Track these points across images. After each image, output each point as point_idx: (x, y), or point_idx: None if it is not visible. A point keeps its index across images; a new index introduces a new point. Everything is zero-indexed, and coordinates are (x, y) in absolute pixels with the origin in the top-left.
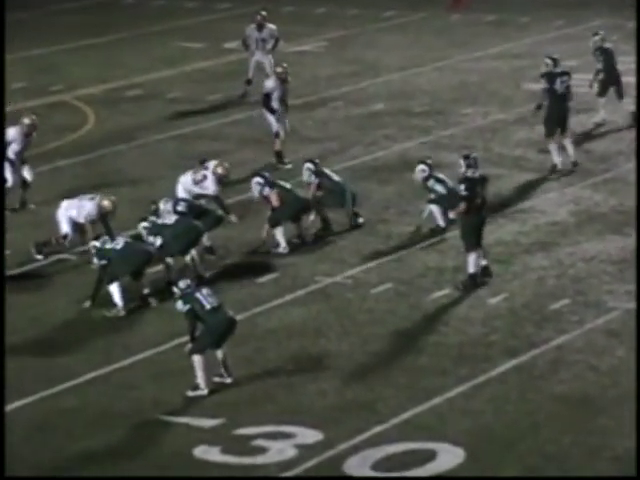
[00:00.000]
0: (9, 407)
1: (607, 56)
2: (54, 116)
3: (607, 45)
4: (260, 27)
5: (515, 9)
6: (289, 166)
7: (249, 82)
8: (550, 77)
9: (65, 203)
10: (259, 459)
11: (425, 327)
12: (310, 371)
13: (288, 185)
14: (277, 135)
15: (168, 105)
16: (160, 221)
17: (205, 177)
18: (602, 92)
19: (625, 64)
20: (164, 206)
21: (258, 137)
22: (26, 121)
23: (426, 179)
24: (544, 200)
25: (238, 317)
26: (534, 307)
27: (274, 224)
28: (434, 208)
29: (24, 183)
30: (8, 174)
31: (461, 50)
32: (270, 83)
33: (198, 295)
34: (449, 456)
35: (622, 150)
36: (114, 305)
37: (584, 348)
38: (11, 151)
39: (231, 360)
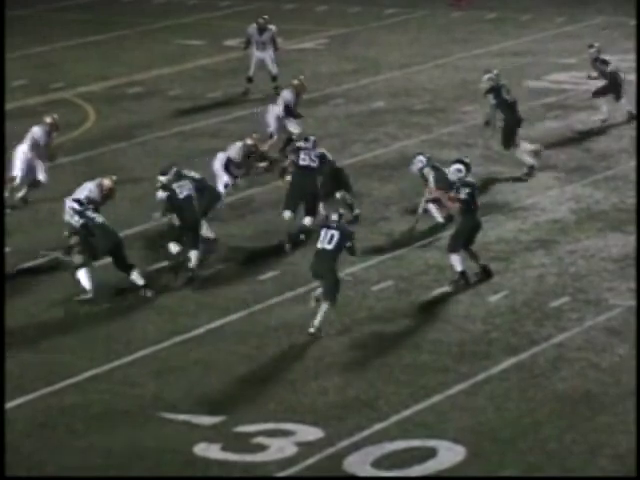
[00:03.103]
0: (10, 404)
1: (606, 66)
2: (55, 113)
3: (604, 56)
4: (262, 30)
5: (516, 7)
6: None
7: (250, 80)
8: (496, 91)
9: (69, 199)
10: (259, 456)
11: (426, 324)
12: (311, 369)
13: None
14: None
15: (169, 102)
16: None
17: None
18: (601, 94)
19: (627, 62)
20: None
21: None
22: (48, 120)
23: (421, 169)
24: (545, 198)
25: (239, 314)
26: (535, 305)
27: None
28: (431, 206)
29: (36, 182)
30: (35, 172)
31: (462, 48)
32: (287, 95)
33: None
34: (450, 454)
35: (623, 148)
36: (84, 291)
37: (585, 346)
38: (35, 149)
39: (232, 357)
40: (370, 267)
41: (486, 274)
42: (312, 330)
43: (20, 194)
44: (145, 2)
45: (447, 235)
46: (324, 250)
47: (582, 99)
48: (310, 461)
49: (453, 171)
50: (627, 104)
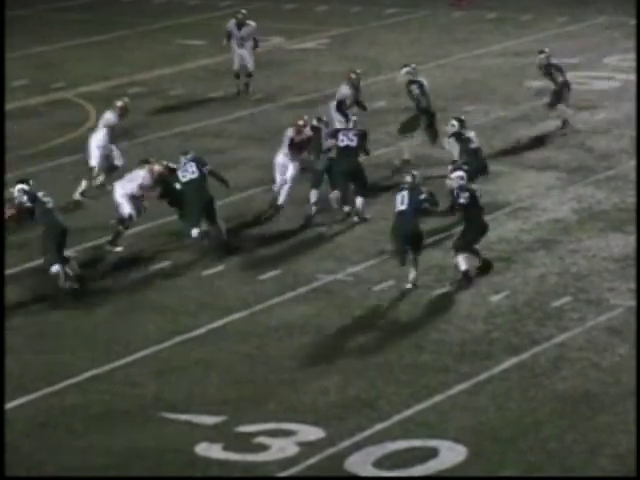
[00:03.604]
0: (11, 404)
1: (559, 73)
2: (56, 113)
3: (554, 61)
4: (240, 26)
5: (517, 6)
6: None
7: (237, 76)
8: (417, 82)
9: (117, 185)
10: (261, 456)
11: (427, 324)
12: (312, 368)
13: None
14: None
15: (170, 102)
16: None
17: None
18: (554, 103)
19: (627, 61)
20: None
21: (260, 134)
22: (119, 104)
23: (450, 135)
24: (546, 198)
25: (240, 314)
26: (536, 304)
27: None
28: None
29: (113, 167)
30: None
31: (463, 48)
32: (344, 90)
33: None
34: (451, 453)
35: (624, 148)
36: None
37: (586, 345)
38: (109, 135)
39: (233, 357)
40: (371, 267)
41: (485, 267)
42: (409, 285)
43: (98, 181)
44: (146, 2)
45: (448, 236)
46: (400, 212)
47: (583, 99)
48: (311, 461)
49: (455, 178)
50: (565, 112)
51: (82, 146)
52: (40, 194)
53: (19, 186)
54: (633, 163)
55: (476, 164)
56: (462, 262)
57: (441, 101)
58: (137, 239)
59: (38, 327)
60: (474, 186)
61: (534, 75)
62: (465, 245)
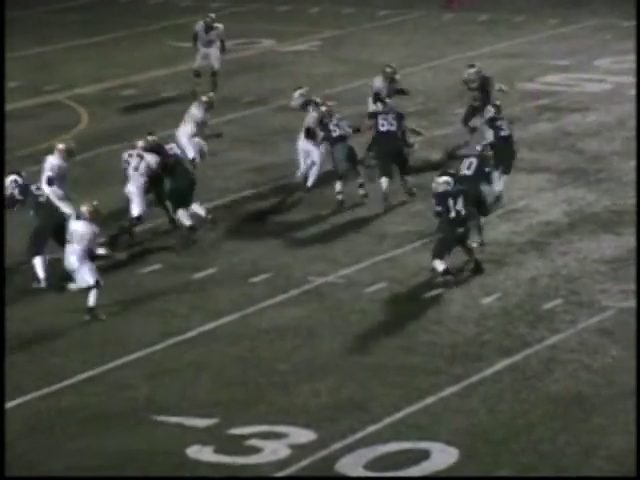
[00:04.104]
0: (6, 406)
1: (486, 84)
2: (49, 115)
3: (487, 74)
4: (208, 28)
5: (509, 8)
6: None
7: (197, 75)
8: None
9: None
10: (252, 459)
11: (418, 327)
12: (303, 371)
13: None
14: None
15: (163, 104)
16: None
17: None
18: (468, 118)
19: (619, 63)
20: None
21: (252, 137)
22: (204, 98)
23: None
24: (537, 200)
25: (231, 317)
26: (527, 307)
27: None
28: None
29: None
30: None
31: (455, 49)
32: (378, 82)
33: None
34: (443, 456)
35: (615, 150)
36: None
37: (577, 347)
38: (197, 128)
39: (224, 360)
40: (363, 269)
41: (477, 269)
42: (475, 244)
43: None
44: (139, 4)
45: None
46: (465, 176)
47: (575, 101)
48: (303, 463)
49: (442, 183)
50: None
51: (79, 147)
52: (33, 187)
53: (11, 177)
54: (624, 165)
55: (505, 151)
56: (438, 266)
57: (433, 102)
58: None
59: (32, 328)
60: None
61: (527, 77)
62: (442, 253)
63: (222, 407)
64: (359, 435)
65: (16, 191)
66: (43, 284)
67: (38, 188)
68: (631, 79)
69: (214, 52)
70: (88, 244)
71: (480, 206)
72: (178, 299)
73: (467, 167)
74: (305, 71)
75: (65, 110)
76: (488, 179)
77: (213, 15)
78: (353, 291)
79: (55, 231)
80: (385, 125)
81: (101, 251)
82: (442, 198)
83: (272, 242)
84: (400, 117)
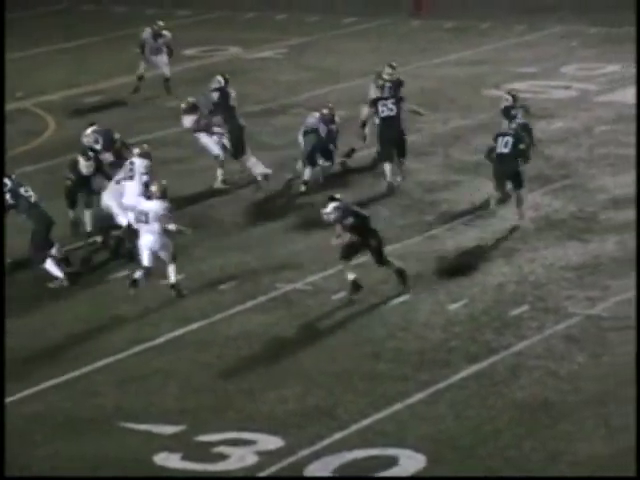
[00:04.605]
0: (4, 406)
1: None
2: (20, 121)
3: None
4: (156, 36)
5: (476, 15)
6: None
7: (140, 78)
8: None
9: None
10: (220, 466)
11: (385, 333)
12: (271, 378)
13: None
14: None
15: (129, 112)
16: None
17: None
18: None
19: (585, 70)
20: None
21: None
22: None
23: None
24: (504, 207)
25: (199, 324)
26: (494, 313)
27: None
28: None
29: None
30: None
31: (421, 56)
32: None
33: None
34: (410, 462)
35: (581, 156)
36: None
37: (544, 354)
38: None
39: (192, 367)
40: (330, 276)
41: (402, 278)
42: (519, 217)
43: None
44: (106, 11)
45: (407, 244)
46: (502, 154)
47: (541, 108)
48: (271, 470)
49: (331, 211)
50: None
51: (42, 156)
52: (22, 189)
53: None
54: (590, 172)
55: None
56: (349, 274)
57: None
58: (96, 249)
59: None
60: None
61: (494, 84)
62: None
63: (190, 414)
64: (326, 442)
65: (7, 195)
66: (65, 282)
67: (27, 190)
68: (595, 86)
69: (162, 59)
70: (165, 220)
71: (516, 181)
72: (146, 306)
73: (504, 145)
74: (271, 78)
75: (32, 117)
76: (525, 155)
77: (161, 23)
78: (320, 298)
79: (48, 231)
80: (385, 111)
81: (173, 227)
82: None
83: (240, 249)
84: (400, 101)
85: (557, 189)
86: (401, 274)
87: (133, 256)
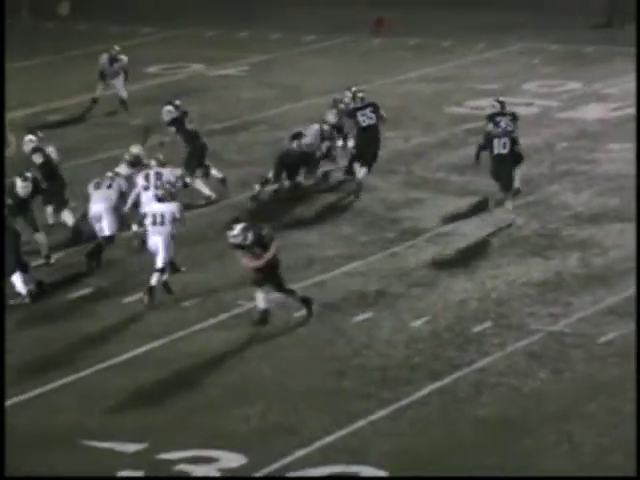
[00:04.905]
0: (5, 407)
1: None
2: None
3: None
4: (112, 61)
5: (437, 33)
6: None
7: (95, 100)
8: (178, 121)
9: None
10: None
11: (348, 350)
12: (233, 395)
13: None
14: None
15: (90, 129)
16: None
17: None
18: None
19: (547, 87)
20: None
21: (180, 161)
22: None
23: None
24: (466, 223)
25: (161, 341)
26: (457, 330)
27: None
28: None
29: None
30: None
31: (383, 74)
32: (330, 116)
33: None
34: (373, 479)
35: (544, 173)
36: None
37: (506, 370)
38: None
39: (154, 384)
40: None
41: (307, 306)
42: (509, 223)
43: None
44: (68, 29)
45: (370, 261)
46: (500, 155)
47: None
48: None
49: (238, 233)
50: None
51: (7, 172)
52: None
53: None
54: (552, 188)
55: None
56: (261, 300)
57: None
58: (58, 266)
59: None
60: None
61: (456, 101)
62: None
63: (152, 432)
64: (289, 459)
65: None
66: (26, 300)
67: None
68: (557, 103)
69: (119, 82)
70: (177, 224)
71: (507, 182)
72: (108, 323)
73: (503, 147)
74: (234, 95)
75: None
76: (519, 158)
77: (117, 47)
78: (283, 315)
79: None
80: (366, 121)
81: (184, 230)
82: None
83: (202, 266)
84: (377, 108)
85: (520, 206)
86: (305, 302)
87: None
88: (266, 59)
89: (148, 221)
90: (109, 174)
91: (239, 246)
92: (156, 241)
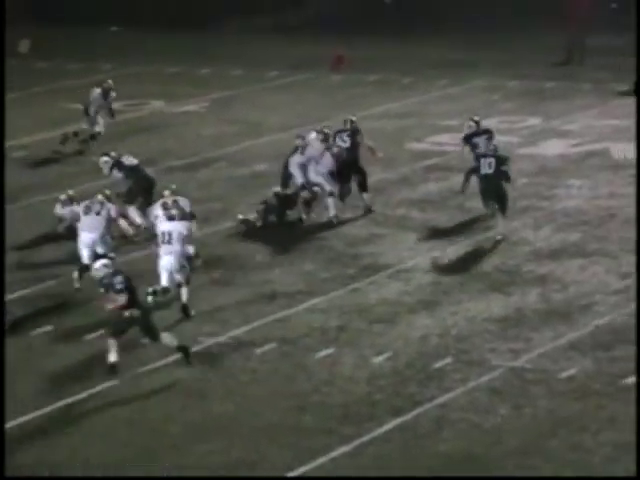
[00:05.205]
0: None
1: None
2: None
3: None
4: (105, 94)
5: (398, 69)
6: None
7: (76, 134)
8: (118, 164)
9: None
10: None
11: (310, 387)
12: (194, 432)
13: None
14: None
15: (54, 166)
16: None
17: None
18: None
19: (507, 123)
20: None
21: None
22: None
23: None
24: (426, 259)
25: (122, 378)
26: (418, 366)
27: None
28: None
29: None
30: None
31: (345, 110)
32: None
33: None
34: None
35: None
36: None
37: (467, 406)
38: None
39: (116, 421)
40: (253, 329)
41: (184, 354)
42: (499, 237)
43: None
44: (29, 66)
45: (331, 298)
46: (487, 175)
47: (463, 160)
48: None
49: (99, 268)
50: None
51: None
52: None
53: None
54: (513, 224)
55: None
56: (112, 353)
57: None
58: (19, 303)
59: None
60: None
61: (416, 137)
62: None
63: (114, 469)
64: None
65: None
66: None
67: None
68: (517, 139)
69: (104, 117)
70: (187, 242)
71: (501, 202)
72: (68, 361)
73: (488, 166)
74: (194, 132)
75: None
76: (507, 177)
77: (110, 81)
78: (243, 352)
79: None
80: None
81: (191, 249)
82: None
83: (162, 303)
84: (355, 133)
85: (480, 242)
86: (182, 350)
87: None
88: (227, 95)
89: (159, 240)
90: (99, 197)
91: (106, 285)
92: (164, 259)
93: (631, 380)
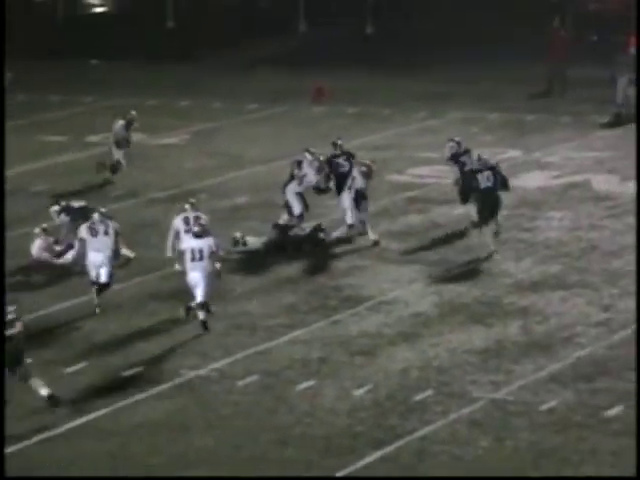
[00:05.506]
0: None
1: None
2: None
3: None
4: (129, 125)
5: (378, 101)
6: None
7: (115, 170)
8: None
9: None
10: None
11: (291, 419)
12: (176, 465)
13: None
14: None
15: (32, 199)
16: None
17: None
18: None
19: (486, 156)
20: None
21: (122, 230)
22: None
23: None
24: (407, 291)
25: (103, 411)
26: (399, 398)
27: None
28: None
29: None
30: None
31: (324, 142)
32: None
33: None
34: None
35: (484, 241)
36: None
37: (448, 439)
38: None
39: (95, 456)
40: (235, 362)
41: (52, 403)
42: (492, 248)
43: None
44: (7, 99)
45: (312, 329)
46: (488, 188)
47: (443, 192)
48: None
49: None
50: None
51: None
52: None
53: None
54: (494, 256)
55: (469, 185)
56: (41, 388)
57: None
58: None
59: None
60: None
61: (396, 169)
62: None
63: None
64: None
65: None
66: None
67: None
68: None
69: (124, 149)
70: (215, 257)
71: (495, 212)
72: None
73: (487, 179)
74: (175, 164)
75: None
76: (505, 186)
77: (134, 112)
78: (225, 384)
79: None
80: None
81: (219, 265)
82: None
83: (143, 335)
84: (350, 155)
85: (461, 273)
86: (52, 400)
87: None
88: (207, 128)
89: (187, 257)
90: (96, 216)
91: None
92: (195, 276)
93: (612, 412)
